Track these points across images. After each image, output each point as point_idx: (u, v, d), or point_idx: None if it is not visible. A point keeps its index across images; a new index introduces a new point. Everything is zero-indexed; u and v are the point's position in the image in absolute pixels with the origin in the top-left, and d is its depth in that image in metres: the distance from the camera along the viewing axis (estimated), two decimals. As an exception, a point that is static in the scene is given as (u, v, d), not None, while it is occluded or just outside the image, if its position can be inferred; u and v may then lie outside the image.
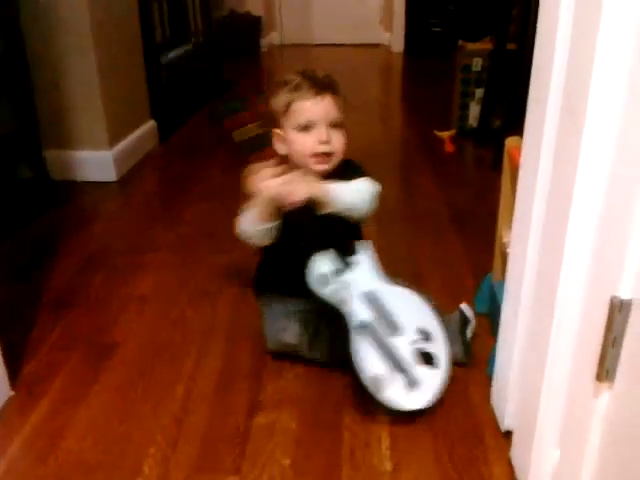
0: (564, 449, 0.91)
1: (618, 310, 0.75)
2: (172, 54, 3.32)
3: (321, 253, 1.19)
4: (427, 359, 1.20)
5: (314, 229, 1.22)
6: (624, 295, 0.74)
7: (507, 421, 1.12)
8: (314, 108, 1.25)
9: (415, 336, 1.20)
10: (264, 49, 5.58)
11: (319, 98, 1.25)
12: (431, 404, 1.18)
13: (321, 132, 1.25)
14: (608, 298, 0.75)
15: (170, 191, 2.45)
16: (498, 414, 1.17)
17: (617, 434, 0.79)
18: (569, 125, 0.82)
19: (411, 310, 1.22)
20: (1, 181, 2.14)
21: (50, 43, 2.29)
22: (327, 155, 1.27)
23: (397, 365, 1.17)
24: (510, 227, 1.11)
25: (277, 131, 1.29)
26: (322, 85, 1.26)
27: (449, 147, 2.83)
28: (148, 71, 2.90)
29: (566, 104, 0.84)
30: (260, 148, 1.19)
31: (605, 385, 0.79)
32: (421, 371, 1.18)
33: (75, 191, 2.38)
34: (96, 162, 2.42)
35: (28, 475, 1.09)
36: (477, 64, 2.88)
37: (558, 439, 0.92)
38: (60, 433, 1.17)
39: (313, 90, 1.25)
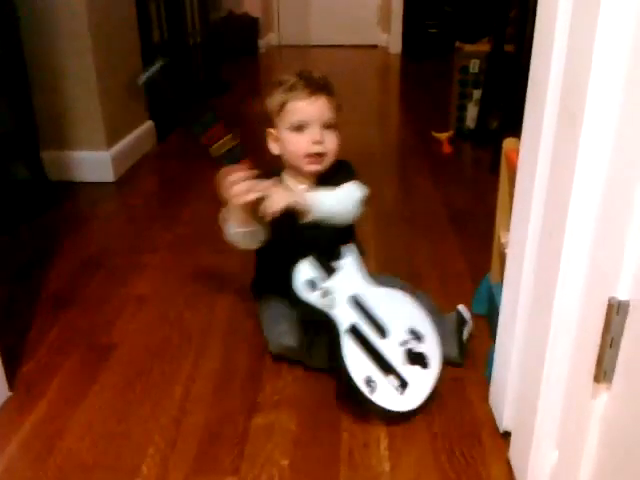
0: (562, 450, 0.91)
1: (616, 311, 0.75)
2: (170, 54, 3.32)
3: (304, 259, 1.19)
4: (418, 359, 1.20)
5: (297, 236, 1.21)
6: (622, 296, 0.75)
7: (505, 422, 1.12)
8: (308, 108, 1.25)
9: (405, 337, 1.20)
10: (262, 50, 5.58)
11: (313, 98, 1.25)
12: (422, 405, 1.18)
13: (314, 132, 1.25)
14: (606, 299, 0.76)
15: (168, 191, 2.45)
16: (496, 415, 1.17)
17: (615, 435, 0.79)
18: (566, 127, 0.82)
19: (399, 311, 1.23)
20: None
21: (48, 44, 2.29)
22: (320, 156, 1.27)
23: (387, 367, 1.17)
24: (508, 228, 1.12)
25: (271, 131, 1.30)
26: (317, 86, 1.26)
27: (447, 148, 2.84)
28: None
29: (563, 106, 0.84)
30: (238, 159, 1.17)
31: (603, 386, 0.80)
32: (412, 372, 1.19)
33: (73, 192, 2.37)
34: (94, 163, 2.42)
35: (26, 475, 1.09)
36: (475, 66, 2.89)
37: (556, 440, 0.92)
38: (58, 433, 1.17)
39: (307, 90, 1.25)
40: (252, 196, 1.16)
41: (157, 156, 2.83)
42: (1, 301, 1.59)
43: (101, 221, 2.17)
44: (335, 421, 1.19)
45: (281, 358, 1.35)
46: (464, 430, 1.16)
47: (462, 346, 1.34)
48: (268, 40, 5.81)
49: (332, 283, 1.20)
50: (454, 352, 1.31)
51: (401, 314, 1.23)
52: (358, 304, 1.20)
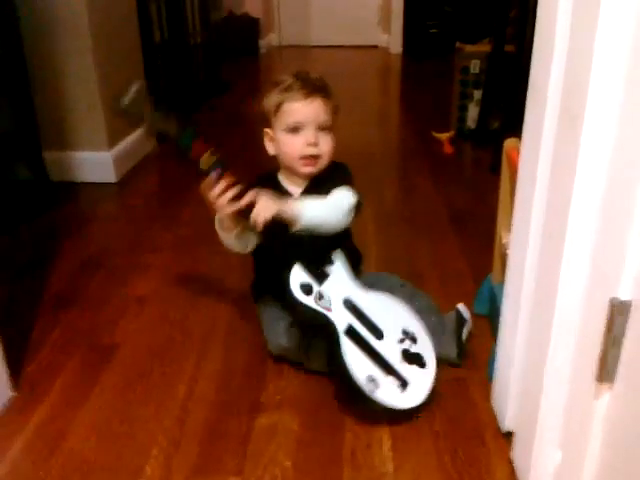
0: (565, 450, 0.91)
1: (617, 311, 0.75)
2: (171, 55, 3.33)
3: (296, 265, 1.20)
4: (415, 359, 1.21)
5: (288, 242, 1.22)
6: (623, 296, 0.75)
7: (508, 422, 1.13)
8: (303, 110, 1.25)
9: (400, 338, 1.22)
10: (262, 50, 5.58)
11: (309, 100, 1.25)
12: (424, 403, 1.19)
13: (309, 134, 1.25)
14: (607, 299, 0.76)
15: (169, 192, 2.45)
16: (499, 415, 1.17)
17: (618, 435, 0.79)
18: (567, 127, 0.83)
19: (391, 313, 1.25)
20: (0, 182, 2.14)
21: (49, 44, 2.29)
22: (314, 158, 1.27)
23: (386, 367, 1.18)
24: (509, 229, 1.12)
25: (267, 131, 1.31)
26: (313, 87, 1.26)
27: (447, 148, 2.84)
28: (147, 72, 2.90)
29: (564, 106, 0.84)
30: (221, 173, 1.18)
31: (605, 386, 0.80)
32: (411, 371, 1.20)
33: (74, 192, 2.38)
34: (95, 163, 2.43)
35: (30, 476, 1.09)
36: (475, 66, 2.89)
37: (559, 440, 0.93)
38: (62, 434, 1.17)
39: (303, 92, 1.25)
40: (235, 207, 1.18)
41: (158, 157, 2.83)
42: (3, 301, 1.59)
43: (102, 221, 2.17)
44: (338, 421, 1.19)
45: (281, 359, 1.35)
46: (467, 430, 1.17)
47: (461, 346, 1.34)
48: (268, 40, 5.81)
49: (326, 287, 1.21)
50: (453, 352, 1.32)
51: (393, 316, 1.24)
52: (352, 307, 1.22)
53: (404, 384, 1.18)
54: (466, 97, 2.95)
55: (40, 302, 1.62)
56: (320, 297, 1.20)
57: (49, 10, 2.24)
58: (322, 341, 1.27)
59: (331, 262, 1.25)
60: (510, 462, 1.08)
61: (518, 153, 1.05)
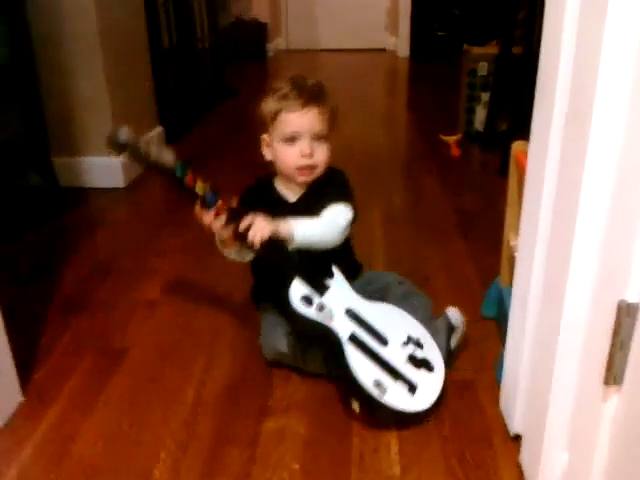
0: (573, 453, 0.91)
1: (625, 314, 0.75)
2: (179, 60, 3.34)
3: (296, 279, 1.21)
4: (422, 364, 1.21)
5: (284, 259, 1.23)
6: (631, 299, 0.75)
7: (516, 425, 1.12)
8: (299, 121, 1.25)
9: (405, 344, 1.22)
10: (270, 54, 5.60)
11: (305, 110, 1.25)
12: (433, 407, 1.18)
13: (304, 145, 1.26)
14: (615, 302, 0.76)
15: (177, 197, 2.46)
16: (507, 418, 1.17)
17: (625, 437, 0.79)
18: (575, 129, 0.82)
19: (395, 321, 1.25)
20: (10, 188, 2.15)
21: (58, 50, 2.31)
22: (310, 168, 1.29)
23: (394, 373, 1.18)
24: (517, 231, 1.12)
25: (264, 137, 1.32)
26: (309, 96, 1.26)
27: (455, 151, 2.83)
28: (155, 77, 2.92)
29: (572, 108, 0.84)
30: (215, 200, 1.22)
31: (613, 389, 0.80)
32: (419, 375, 1.19)
33: (83, 197, 2.39)
34: (104, 168, 2.44)
35: (40, 480, 1.10)
36: (483, 68, 2.89)
37: (567, 443, 0.92)
38: (71, 438, 1.18)
39: (300, 101, 1.25)
40: (231, 230, 1.22)
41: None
42: (13, 306, 1.60)
43: (111, 226, 2.18)
44: (345, 425, 1.19)
45: (277, 364, 1.35)
46: (475, 434, 1.16)
47: (450, 354, 1.32)
48: (276, 44, 5.83)
49: (327, 298, 1.22)
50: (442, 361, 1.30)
51: (397, 324, 1.25)
52: (355, 316, 1.22)
53: (412, 388, 1.18)
54: (474, 99, 2.95)
55: (50, 307, 1.63)
56: (321, 308, 1.21)
57: (58, 17, 2.26)
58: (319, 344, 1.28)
59: (331, 274, 1.27)
60: (518, 465, 1.07)
61: (526, 156, 1.05)
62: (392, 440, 1.15)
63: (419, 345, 1.23)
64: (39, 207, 2.22)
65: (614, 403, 0.81)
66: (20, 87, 2.10)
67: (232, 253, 1.32)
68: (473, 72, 2.91)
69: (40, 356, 1.42)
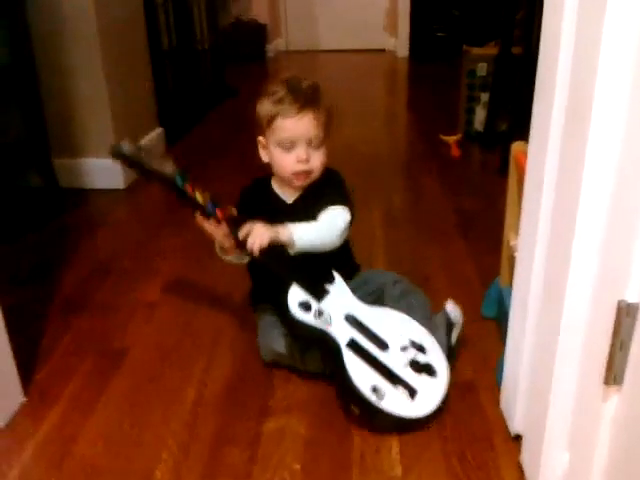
0: (573, 453, 0.91)
1: (625, 314, 0.75)
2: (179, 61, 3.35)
3: (294, 285, 1.22)
4: (424, 368, 1.20)
5: (283, 264, 1.24)
6: (631, 299, 0.75)
7: (517, 425, 1.12)
8: (294, 127, 1.26)
9: (407, 349, 1.21)
10: (270, 55, 5.60)
11: (300, 116, 1.25)
12: (434, 413, 1.18)
13: (300, 152, 1.27)
14: (615, 302, 0.76)
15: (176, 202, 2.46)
16: (508, 418, 1.17)
17: (626, 437, 0.79)
18: (574, 129, 0.83)
19: (397, 326, 1.25)
20: (11, 188, 2.16)
21: (57, 51, 2.31)
22: (306, 172, 1.30)
23: (393, 378, 1.17)
24: (517, 231, 1.12)
25: (260, 139, 1.33)
26: (305, 100, 1.26)
27: (455, 151, 2.84)
28: (155, 78, 2.92)
29: (571, 108, 0.84)
30: (214, 208, 1.25)
31: (613, 389, 0.80)
32: (420, 380, 1.18)
33: (84, 198, 2.39)
34: (104, 170, 2.44)
35: (41, 480, 1.10)
36: (482, 69, 2.89)
37: (567, 443, 0.92)
38: (72, 438, 1.18)
39: (295, 106, 1.25)
40: (231, 238, 1.25)
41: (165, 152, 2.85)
42: (13, 307, 1.60)
43: (111, 227, 2.19)
44: (346, 425, 1.19)
45: (274, 365, 1.35)
46: (475, 434, 1.16)
47: (451, 350, 1.32)
48: (276, 45, 5.83)
49: (325, 304, 1.23)
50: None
51: (399, 328, 1.25)
52: (355, 321, 1.23)
53: (412, 393, 1.17)
54: (473, 100, 2.95)
55: (50, 307, 1.63)
56: (319, 314, 1.21)
57: (58, 19, 2.26)
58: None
59: (332, 280, 1.27)
60: (519, 465, 1.07)
61: (525, 156, 1.05)
62: (393, 440, 1.15)
63: (422, 350, 1.22)
64: (39, 208, 2.22)
65: (614, 403, 0.81)
66: (20, 88, 2.10)
67: (232, 259, 1.34)
68: (473, 72, 2.91)
69: (41, 356, 1.42)
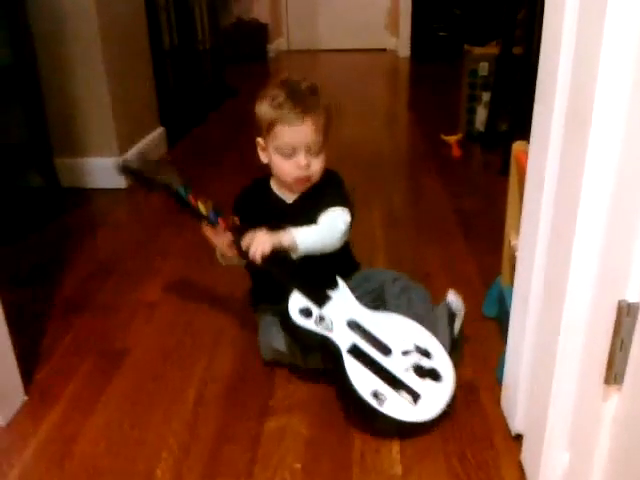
0: (574, 452, 0.91)
1: (626, 314, 0.75)
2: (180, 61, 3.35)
3: (295, 292, 1.23)
4: (428, 373, 1.19)
5: (285, 269, 1.25)
6: (631, 299, 0.75)
7: (517, 424, 1.12)
8: (294, 135, 1.26)
9: (410, 354, 1.21)
10: (271, 55, 5.61)
11: (300, 123, 1.25)
12: (438, 416, 1.17)
13: (300, 159, 1.27)
14: (616, 302, 0.76)
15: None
16: (508, 418, 1.17)
17: (626, 437, 0.79)
18: (575, 129, 0.83)
19: (401, 331, 1.24)
20: (12, 188, 2.16)
21: (59, 51, 2.31)
22: (306, 177, 1.30)
23: (396, 383, 1.16)
24: (518, 231, 1.12)
25: (259, 141, 1.33)
26: (304, 106, 1.25)
27: (456, 151, 2.84)
28: (157, 78, 2.93)
29: (572, 108, 0.84)
30: (217, 218, 1.27)
31: (614, 388, 0.80)
32: (423, 385, 1.18)
33: (85, 198, 2.40)
34: (106, 169, 2.44)
35: (42, 479, 1.10)
36: (484, 68, 2.89)
37: (568, 442, 0.92)
38: (73, 438, 1.18)
39: (295, 112, 1.24)
40: (234, 250, 1.27)
41: (167, 163, 2.85)
42: (14, 307, 1.60)
43: (112, 227, 2.19)
44: (347, 425, 1.19)
45: (275, 364, 1.35)
46: (476, 433, 1.16)
47: (455, 340, 1.32)
48: (277, 45, 5.84)
49: (327, 310, 1.23)
50: (446, 347, 1.28)
51: (403, 333, 1.24)
52: (357, 327, 1.23)
53: (415, 398, 1.16)
54: (474, 100, 2.95)
55: (51, 307, 1.63)
56: (321, 319, 1.21)
57: (59, 18, 2.27)
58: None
59: (335, 286, 1.28)
60: (519, 464, 1.07)
61: (526, 156, 1.05)
62: (393, 440, 1.15)
63: (426, 354, 1.21)
64: (40, 208, 2.22)
65: (614, 402, 0.81)
66: (22, 87, 2.10)
67: (233, 262, 1.34)
68: (474, 72, 2.91)
69: (43, 356, 1.42)
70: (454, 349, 1.30)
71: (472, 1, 4.97)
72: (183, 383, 1.33)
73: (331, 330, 1.21)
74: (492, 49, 2.88)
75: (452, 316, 1.32)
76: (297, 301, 1.22)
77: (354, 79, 4.60)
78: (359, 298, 1.30)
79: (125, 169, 1.28)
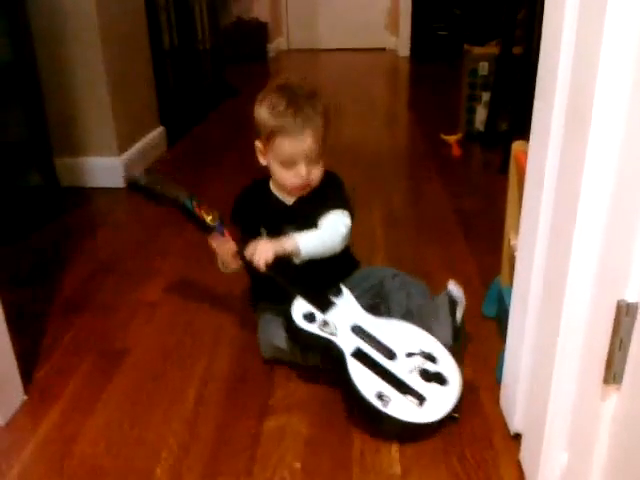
0: (573, 452, 0.91)
1: (625, 313, 0.75)
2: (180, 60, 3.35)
3: (298, 298, 1.24)
4: (433, 377, 1.19)
5: (288, 275, 1.26)
6: (630, 299, 0.75)
7: (516, 424, 1.13)
8: (295, 147, 1.26)
9: (416, 357, 1.21)
10: (271, 54, 5.60)
11: (300, 134, 1.25)
12: (444, 419, 1.16)
13: (300, 169, 1.27)
14: (615, 302, 0.76)
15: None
16: (507, 417, 1.17)
17: (625, 436, 0.79)
18: (575, 129, 0.83)
19: (405, 336, 1.25)
20: (11, 188, 2.16)
21: (59, 51, 2.31)
22: (306, 184, 1.31)
23: (401, 386, 1.16)
24: (517, 231, 1.12)
25: (258, 144, 1.33)
26: (305, 117, 1.24)
27: (456, 151, 2.84)
28: (157, 77, 2.93)
29: (571, 107, 0.84)
30: (224, 227, 1.29)
31: (613, 388, 0.80)
32: (429, 388, 1.17)
33: (84, 198, 2.40)
34: (105, 169, 2.44)
35: (41, 479, 1.10)
36: (484, 68, 2.89)
37: (567, 442, 0.92)
38: (73, 437, 1.18)
39: (295, 123, 1.24)
40: (238, 261, 1.29)
41: (167, 163, 2.85)
42: (15, 306, 1.60)
43: (112, 227, 2.19)
44: (347, 424, 1.19)
45: (277, 362, 1.35)
46: (475, 433, 1.16)
47: (457, 329, 1.31)
48: (277, 45, 5.83)
49: (331, 315, 1.24)
50: (448, 337, 1.29)
51: (408, 338, 1.24)
52: (361, 332, 1.23)
53: (421, 401, 1.15)
54: (474, 99, 2.95)
55: (51, 307, 1.63)
56: (324, 324, 1.22)
57: (59, 17, 2.27)
58: None
59: (339, 292, 1.28)
60: (518, 464, 1.08)
61: (526, 155, 1.05)
62: (393, 440, 1.15)
63: (432, 359, 1.21)
64: (40, 207, 2.22)
65: (613, 402, 0.81)
66: (21, 87, 2.10)
67: (235, 269, 1.35)
68: (474, 72, 2.91)
69: (43, 355, 1.43)
70: (457, 338, 1.30)
71: (472, 1, 4.96)
72: (183, 383, 1.33)
73: (335, 334, 1.21)
74: (492, 49, 2.88)
75: (453, 304, 1.32)
76: (301, 306, 1.23)
77: (354, 79, 4.60)
78: (359, 296, 1.30)
79: (134, 186, 1.31)
